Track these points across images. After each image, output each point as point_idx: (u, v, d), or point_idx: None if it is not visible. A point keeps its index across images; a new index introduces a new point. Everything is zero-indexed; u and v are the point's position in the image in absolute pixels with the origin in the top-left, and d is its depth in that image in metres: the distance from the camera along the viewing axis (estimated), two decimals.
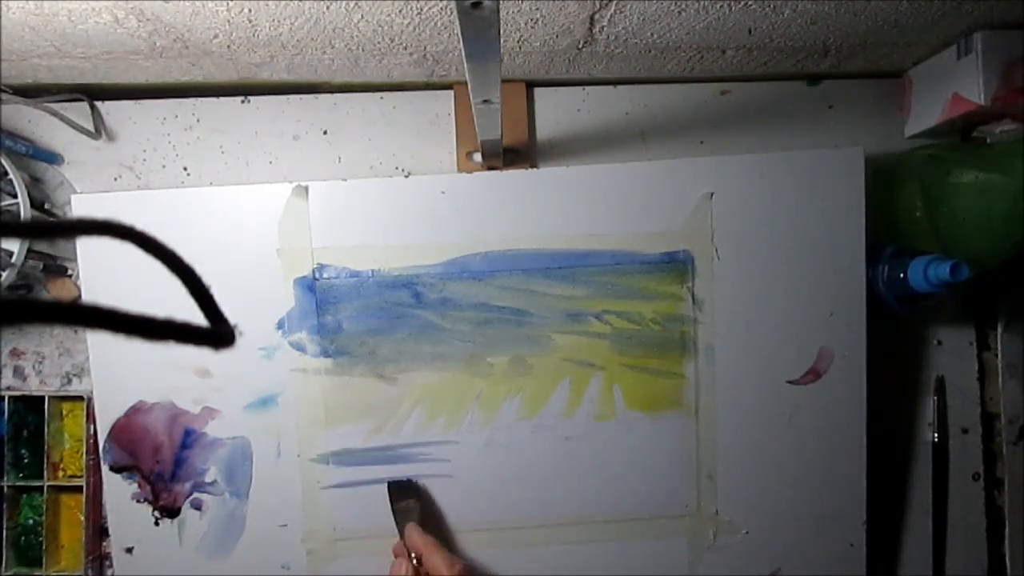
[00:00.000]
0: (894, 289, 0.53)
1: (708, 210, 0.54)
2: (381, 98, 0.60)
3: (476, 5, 0.27)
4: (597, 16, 0.47)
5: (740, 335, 0.55)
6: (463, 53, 0.33)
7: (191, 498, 0.54)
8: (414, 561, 0.48)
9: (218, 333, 0.19)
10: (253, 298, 0.54)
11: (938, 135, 0.59)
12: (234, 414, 0.54)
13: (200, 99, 0.59)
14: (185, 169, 0.59)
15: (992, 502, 0.61)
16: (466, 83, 0.39)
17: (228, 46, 0.50)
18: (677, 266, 0.54)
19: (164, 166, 0.59)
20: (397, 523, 0.52)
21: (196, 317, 0.19)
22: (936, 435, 0.60)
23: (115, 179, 0.59)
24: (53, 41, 0.48)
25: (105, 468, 0.54)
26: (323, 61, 0.54)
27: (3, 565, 0.57)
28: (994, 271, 0.54)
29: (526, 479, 0.55)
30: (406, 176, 0.56)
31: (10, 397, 0.57)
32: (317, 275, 0.54)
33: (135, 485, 0.54)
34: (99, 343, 0.54)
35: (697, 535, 0.55)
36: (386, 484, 0.54)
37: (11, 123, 0.58)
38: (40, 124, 0.58)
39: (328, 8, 0.45)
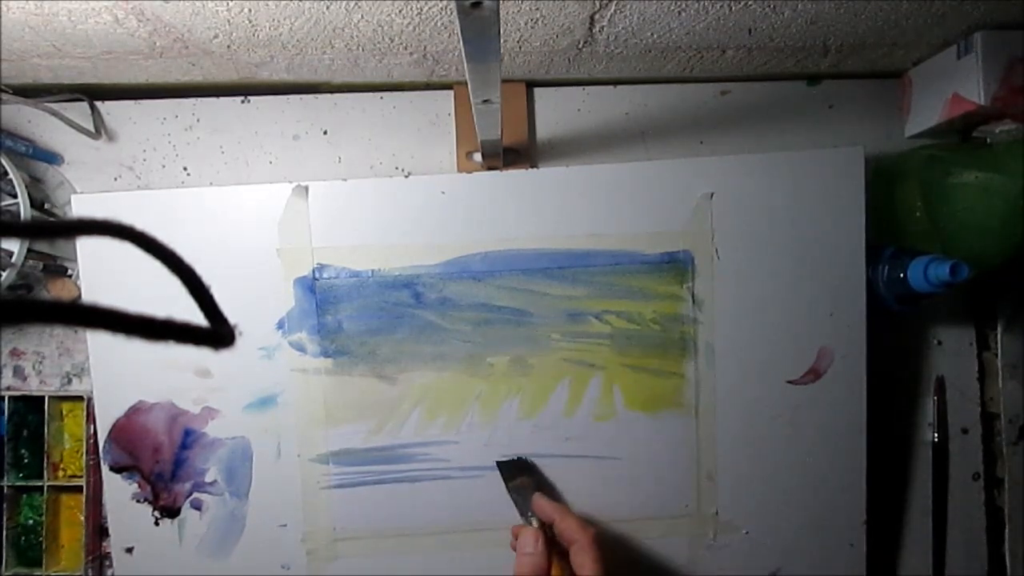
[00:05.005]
0: (894, 289, 0.53)
1: (708, 210, 0.54)
2: (381, 98, 0.60)
3: (476, 5, 0.27)
4: (597, 16, 0.47)
5: (740, 335, 0.55)
6: (463, 53, 0.33)
7: (191, 498, 0.54)
8: (530, 528, 0.48)
9: (218, 333, 0.19)
10: (253, 298, 0.54)
11: (938, 135, 0.59)
12: (234, 414, 0.54)
13: (200, 99, 0.59)
14: (185, 169, 0.59)
15: (992, 502, 0.61)
16: (466, 83, 0.39)
17: (228, 46, 0.50)
18: (677, 266, 0.54)
19: (164, 166, 0.59)
20: (515, 500, 0.52)
21: (196, 317, 0.19)
22: (936, 435, 0.60)
23: (115, 179, 0.59)
24: (53, 41, 0.48)
25: (105, 468, 0.54)
26: (323, 61, 0.54)
27: (3, 565, 0.57)
28: (994, 271, 0.54)
29: None
30: (406, 176, 0.55)
31: (10, 397, 0.57)
32: (317, 275, 0.54)
33: (135, 485, 0.54)
34: (99, 343, 0.54)
35: (697, 535, 0.55)
36: (496, 464, 0.54)
37: (11, 123, 0.58)
38: (40, 124, 0.59)
39: (328, 8, 0.45)
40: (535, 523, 0.49)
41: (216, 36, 0.48)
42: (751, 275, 0.54)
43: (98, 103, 0.59)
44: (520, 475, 0.53)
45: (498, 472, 0.54)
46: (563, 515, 0.48)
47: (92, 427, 0.56)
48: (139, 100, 0.59)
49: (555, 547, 0.47)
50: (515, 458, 0.55)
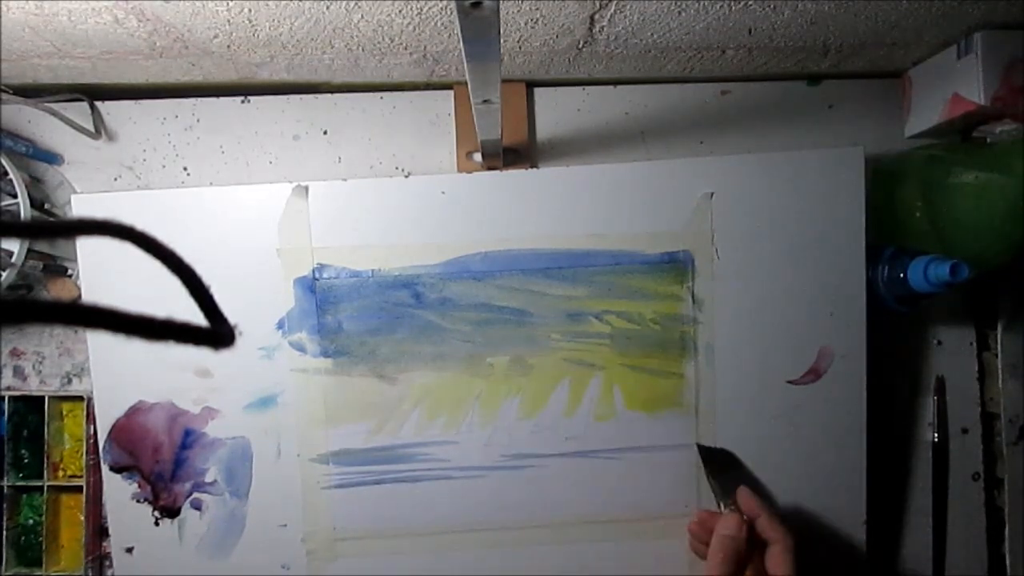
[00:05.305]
0: (894, 289, 0.53)
1: (708, 210, 0.54)
2: (381, 98, 0.60)
3: (476, 5, 0.27)
4: (597, 16, 0.47)
5: (740, 335, 0.55)
6: (463, 53, 0.33)
7: (191, 498, 0.54)
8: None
9: (218, 333, 0.19)
10: (253, 298, 0.54)
11: (938, 135, 0.59)
12: (234, 414, 0.54)
13: (200, 99, 0.59)
14: (185, 169, 0.59)
15: (992, 502, 0.61)
16: (466, 83, 0.39)
17: (228, 46, 0.50)
18: (677, 266, 0.54)
19: (164, 166, 0.59)
20: (713, 486, 0.52)
21: (196, 317, 0.19)
22: (936, 435, 0.60)
23: (115, 179, 0.59)
24: (53, 41, 0.48)
25: (105, 468, 0.54)
26: (323, 61, 0.54)
27: (3, 565, 0.57)
28: (994, 271, 0.54)
29: (526, 479, 0.55)
30: (406, 176, 0.56)
31: (10, 397, 0.57)
32: (317, 275, 0.54)
33: (135, 485, 0.54)
34: (99, 343, 0.54)
35: None
36: (696, 446, 0.55)
37: (11, 123, 0.58)
38: (40, 124, 0.58)
39: (328, 8, 0.45)
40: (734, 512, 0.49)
41: (216, 36, 0.48)
42: (751, 275, 0.54)
43: (98, 103, 0.59)
44: (723, 464, 0.54)
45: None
46: (769, 514, 0.48)
47: (92, 427, 0.56)
48: (139, 100, 0.59)
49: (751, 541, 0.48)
50: (720, 448, 0.55)
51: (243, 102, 0.59)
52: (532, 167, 0.59)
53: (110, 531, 0.55)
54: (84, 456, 0.57)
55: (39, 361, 0.59)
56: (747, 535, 0.47)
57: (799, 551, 0.46)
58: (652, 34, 0.50)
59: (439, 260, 0.54)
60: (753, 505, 0.49)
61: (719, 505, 0.51)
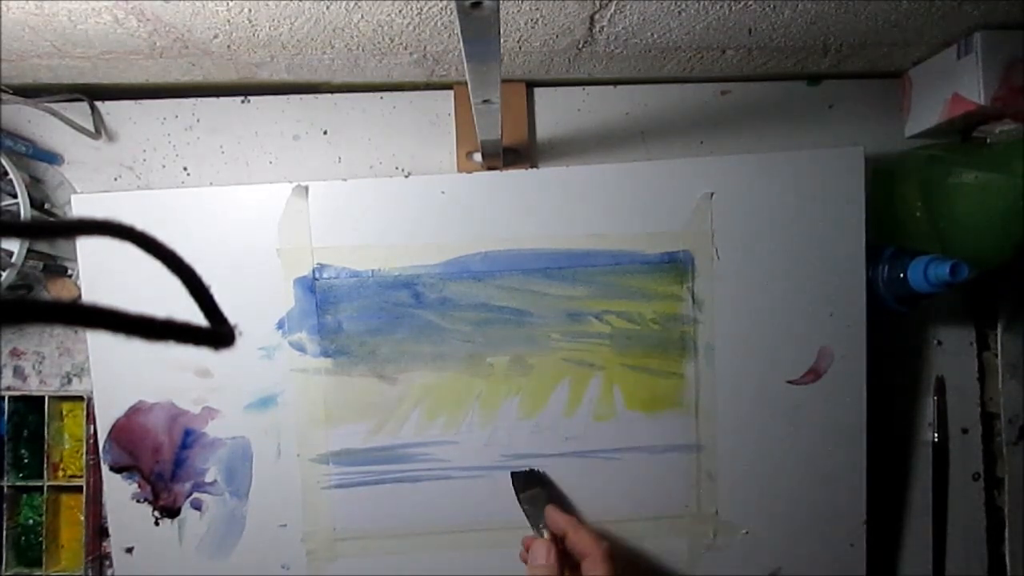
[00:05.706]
0: (894, 289, 0.53)
1: (708, 210, 0.54)
2: (381, 98, 0.60)
3: (476, 5, 0.27)
4: (597, 16, 0.47)
5: (740, 335, 0.55)
6: (463, 53, 0.33)
7: (191, 498, 0.54)
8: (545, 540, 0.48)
9: (218, 333, 0.19)
10: (253, 298, 0.54)
11: (938, 135, 0.59)
12: (234, 414, 0.54)
13: (200, 99, 0.59)
14: (185, 169, 0.59)
15: (992, 502, 0.61)
16: (466, 83, 0.39)
17: (228, 46, 0.50)
18: (677, 266, 0.54)
19: (164, 166, 0.59)
20: (526, 511, 0.52)
21: (196, 317, 0.19)
22: (936, 435, 0.60)
23: (115, 179, 0.59)
24: (53, 41, 0.48)
25: (105, 468, 0.54)
26: (323, 61, 0.54)
27: (3, 565, 0.57)
28: (994, 271, 0.54)
29: None
30: (406, 176, 0.56)
31: (10, 397, 0.57)
32: (317, 275, 0.54)
33: (135, 485, 0.54)
34: (99, 343, 0.54)
35: (697, 535, 0.55)
36: (510, 475, 0.54)
37: (11, 123, 0.58)
38: (40, 124, 0.58)
39: (328, 8, 0.45)
40: (547, 535, 0.49)
41: (216, 36, 0.48)
42: (751, 275, 0.54)
43: (98, 103, 0.59)
44: (533, 487, 0.53)
45: (506, 478, 0.54)
46: (576, 528, 0.48)
47: (92, 427, 0.56)
48: (139, 100, 0.59)
49: (567, 560, 0.47)
50: (528, 469, 0.54)
51: (243, 102, 0.59)
52: (532, 167, 0.59)
53: (110, 531, 0.55)
54: (84, 456, 0.57)
55: (39, 361, 0.59)
56: (556, 558, 0.47)
57: (613, 557, 0.46)
58: (652, 34, 0.50)
59: (439, 260, 0.54)
60: (560, 522, 0.49)
61: (535, 531, 0.51)
